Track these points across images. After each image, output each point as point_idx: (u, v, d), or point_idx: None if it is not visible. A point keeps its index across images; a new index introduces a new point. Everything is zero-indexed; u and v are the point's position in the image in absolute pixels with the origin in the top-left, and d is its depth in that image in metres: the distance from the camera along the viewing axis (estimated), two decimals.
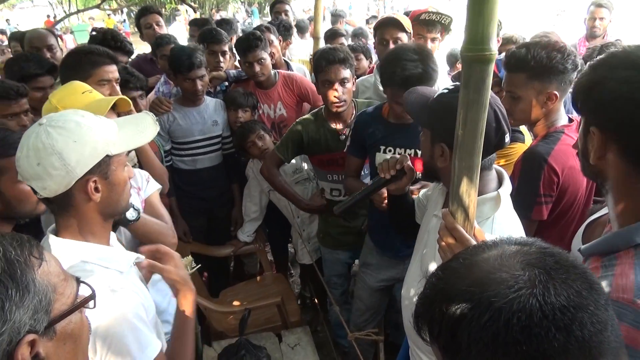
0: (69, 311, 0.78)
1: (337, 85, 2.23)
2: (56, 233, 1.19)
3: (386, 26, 2.52)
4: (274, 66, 3.14)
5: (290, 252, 3.60)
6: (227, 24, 3.90)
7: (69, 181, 1.12)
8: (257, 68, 2.85)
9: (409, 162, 1.59)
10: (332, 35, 3.66)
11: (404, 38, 2.55)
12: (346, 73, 2.24)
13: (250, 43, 2.81)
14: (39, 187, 1.13)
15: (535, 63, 1.71)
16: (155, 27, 3.65)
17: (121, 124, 1.27)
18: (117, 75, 2.11)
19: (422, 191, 1.76)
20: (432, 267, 1.43)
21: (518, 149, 2.08)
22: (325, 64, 2.23)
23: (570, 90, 1.12)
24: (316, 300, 3.09)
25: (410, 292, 1.60)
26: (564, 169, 1.68)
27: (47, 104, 1.64)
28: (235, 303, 2.77)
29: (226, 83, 3.18)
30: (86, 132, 1.14)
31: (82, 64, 1.99)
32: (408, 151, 2.08)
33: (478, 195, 1.33)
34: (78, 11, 7.52)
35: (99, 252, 1.19)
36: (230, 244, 3.02)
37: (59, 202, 1.16)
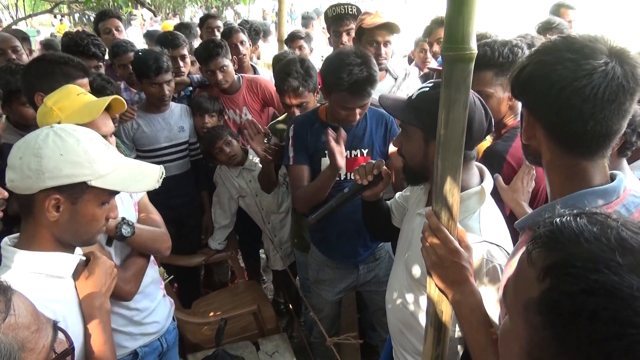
0: None
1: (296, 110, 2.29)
2: (17, 237, 1.17)
3: (379, 29, 2.53)
4: (241, 70, 3.10)
5: (262, 258, 3.55)
6: (186, 28, 3.83)
7: (34, 186, 1.08)
8: (220, 76, 2.80)
9: (385, 167, 1.58)
10: (291, 38, 3.66)
11: (392, 39, 2.58)
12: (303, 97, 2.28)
13: (210, 51, 2.75)
14: (9, 178, 1.11)
15: (502, 59, 1.74)
16: (115, 32, 3.54)
17: (125, 165, 1.23)
18: (88, 89, 2.03)
19: (398, 193, 1.75)
20: (417, 269, 1.43)
21: (480, 147, 2.13)
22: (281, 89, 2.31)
23: None
24: (291, 305, 3.05)
25: (394, 295, 1.59)
26: (522, 164, 1.72)
27: (42, 107, 1.61)
28: (210, 313, 2.70)
29: (190, 88, 3.11)
30: (77, 152, 1.12)
31: (55, 75, 1.90)
32: (354, 152, 2.07)
33: (463, 190, 1.35)
34: (27, 16, 7.20)
35: (41, 260, 1.14)
36: (201, 253, 2.94)
37: (21, 204, 1.13)
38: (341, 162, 1.89)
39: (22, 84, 2.01)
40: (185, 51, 3.11)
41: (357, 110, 1.98)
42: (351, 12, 2.85)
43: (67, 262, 1.19)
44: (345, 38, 2.87)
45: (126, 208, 1.71)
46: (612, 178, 0.97)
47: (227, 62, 2.82)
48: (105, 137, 1.55)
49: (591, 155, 0.95)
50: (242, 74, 3.07)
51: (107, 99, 1.58)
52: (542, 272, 0.56)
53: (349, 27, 2.83)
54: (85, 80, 2.03)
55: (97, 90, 2.10)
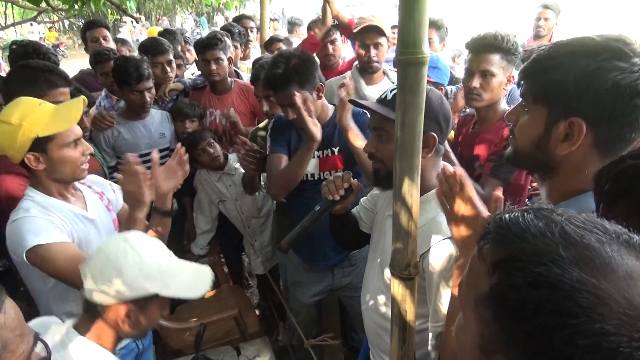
0: None
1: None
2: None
3: (368, 32, 2.58)
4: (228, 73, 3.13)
5: (246, 262, 3.56)
6: (170, 34, 3.83)
7: (112, 300, 1.20)
8: (213, 67, 2.86)
9: (355, 180, 1.55)
10: (270, 42, 3.69)
11: (383, 42, 2.61)
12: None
13: (209, 41, 2.85)
14: (87, 286, 1.20)
15: (509, 45, 1.91)
16: (102, 41, 3.52)
17: (184, 270, 1.33)
18: (68, 98, 2.04)
19: (363, 199, 1.74)
20: (388, 272, 1.44)
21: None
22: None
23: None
24: (274, 309, 3.05)
25: (367, 297, 1.61)
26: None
27: (6, 127, 1.49)
28: (193, 319, 2.70)
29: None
30: (152, 266, 1.21)
31: (39, 82, 1.91)
32: (325, 152, 2.08)
33: (433, 187, 1.36)
34: (14, 24, 7.18)
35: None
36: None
37: (88, 306, 1.23)
38: (317, 131, 1.89)
39: (3, 90, 2.02)
40: (171, 56, 3.11)
41: (291, 111, 1.96)
42: (334, 24, 2.94)
43: None
44: (329, 48, 2.94)
45: (104, 223, 1.73)
46: None
47: (223, 57, 2.89)
48: (80, 139, 1.59)
49: (615, 156, 0.94)
50: (235, 79, 3.11)
51: (79, 101, 1.56)
52: (492, 267, 0.57)
53: (332, 37, 2.93)
54: (67, 90, 2.04)
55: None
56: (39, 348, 0.78)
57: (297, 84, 1.94)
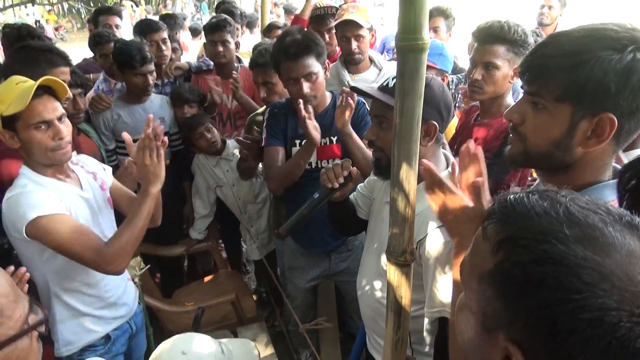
0: (15, 336, 0.73)
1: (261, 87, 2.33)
2: None
3: (346, 24, 2.59)
4: None
5: (244, 248, 3.57)
6: (170, 18, 3.83)
7: None
8: (220, 48, 2.88)
9: (354, 167, 1.55)
10: (269, 29, 3.68)
11: (364, 33, 2.59)
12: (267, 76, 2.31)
13: (218, 23, 2.87)
14: None
15: (516, 36, 1.81)
16: (114, 29, 3.47)
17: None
18: (68, 77, 2.06)
19: (360, 185, 1.74)
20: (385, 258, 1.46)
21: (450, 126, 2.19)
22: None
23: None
24: (271, 295, 3.08)
25: (363, 282, 1.62)
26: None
27: None
28: (189, 303, 2.72)
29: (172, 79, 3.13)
30: None
31: (40, 62, 1.92)
32: (323, 140, 2.07)
33: None
34: (12, 6, 7.11)
35: None
36: (182, 243, 2.96)
37: None
38: (316, 135, 1.89)
39: (5, 70, 2.01)
40: (165, 35, 3.12)
41: (306, 85, 1.95)
42: (331, 12, 2.94)
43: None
44: (326, 37, 2.92)
45: (98, 202, 1.74)
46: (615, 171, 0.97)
47: (230, 39, 2.91)
48: (51, 122, 1.55)
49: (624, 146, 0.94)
50: (241, 64, 3.11)
51: (34, 84, 1.54)
52: (496, 246, 0.58)
53: (329, 26, 2.91)
54: (67, 69, 2.06)
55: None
56: (35, 311, 0.79)
57: (315, 55, 1.96)
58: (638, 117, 0.88)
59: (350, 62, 2.67)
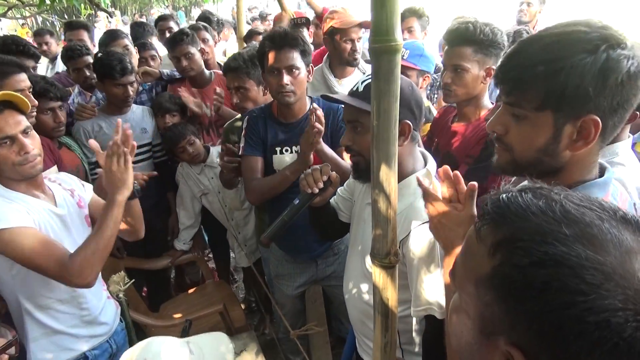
0: None
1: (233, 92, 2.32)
2: None
3: (353, 28, 2.60)
4: (207, 67, 3.10)
5: (232, 257, 3.54)
6: (139, 26, 3.86)
7: None
8: (185, 62, 2.85)
9: (334, 172, 1.55)
10: (249, 34, 3.69)
11: (361, 34, 2.63)
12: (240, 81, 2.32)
13: (175, 38, 2.84)
14: None
15: (483, 37, 1.78)
16: (88, 42, 3.50)
17: None
18: (28, 83, 2.02)
19: (339, 189, 1.73)
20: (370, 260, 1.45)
21: (426, 128, 2.19)
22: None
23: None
24: (260, 303, 3.06)
25: (350, 285, 1.62)
26: None
27: None
28: (176, 315, 2.68)
29: (149, 84, 3.11)
30: None
31: None
32: None
33: (411, 174, 1.38)
34: None
35: None
36: (167, 255, 2.92)
37: None
38: (310, 161, 1.88)
39: None
40: (127, 42, 3.15)
41: (287, 78, 1.94)
42: (304, 22, 3.01)
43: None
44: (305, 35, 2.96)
45: (74, 220, 1.71)
46: (602, 169, 0.99)
47: (193, 50, 2.87)
48: (14, 137, 1.51)
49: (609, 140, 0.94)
50: (215, 70, 3.09)
51: None
52: (492, 248, 0.57)
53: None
54: (23, 76, 2.03)
55: (39, 93, 2.08)
56: (3, 333, 0.76)
57: (300, 51, 1.98)
58: (620, 112, 0.88)
59: (351, 63, 2.68)
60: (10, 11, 5.57)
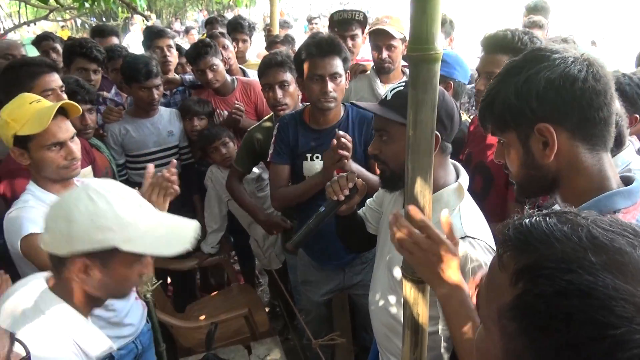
0: None
1: (277, 89, 2.26)
2: (48, 281, 1.16)
3: (378, 34, 2.58)
4: (230, 73, 3.10)
5: (257, 261, 3.54)
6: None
7: (64, 250, 1.07)
8: (210, 75, 2.82)
9: (360, 179, 1.53)
10: (269, 44, 3.70)
11: (396, 43, 2.57)
12: (286, 77, 2.27)
13: (199, 50, 2.79)
14: (43, 239, 1.10)
15: (521, 45, 1.74)
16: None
17: (159, 225, 1.16)
18: (60, 83, 2.06)
19: (369, 200, 1.70)
20: (398, 270, 1.42)
21: None
22: (264, 68, 2.29)
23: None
24: (283, 308, 3.04)
25: (377, 297, 1.58)
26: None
27: (0, 120, 1.60)
28: (201, 317, 2.70)
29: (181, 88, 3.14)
30: (108, 216, 1.06)
31: (20, 78, 1.93)
32: None
33: (441, 187, 1.34)
34: (26, 22, 7.25)
35: (82, 328, 1.13)
36: (194, 257, 2.94)
37: (53, 261, 1.12)
38: (332, 176, 1.81)
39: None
40: (171, 42, 3.20)
41: (330, 85, 1.93)
42: (357, 19, 2.82)
43: (101, 344, 1.19)
44: (349, 43, 2.81)
45: None
46: (627, 180, 0.98)
47: (217, 62, 2.84)
48: (64, 142, 1.58)
49: (605, 146, 0.97)
50: (236, 77, 3.08)
51: (54, 107, 1.56)
52: (515, 276, 0.54)
53: (353, 32, 2.80)
54: (54, 76, 2.05)
55: (68, 94, 2.10)
56: (18, 348, 0.76)
57: (342, 58, 1.98)
58: (577, 114, 0.92)
59: (381, 70, 2.66)
60: (52, 14, 5.77)
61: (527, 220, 0.56)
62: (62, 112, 1.60)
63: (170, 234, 1.16)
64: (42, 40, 3.63)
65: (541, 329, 0.50)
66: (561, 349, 0.48)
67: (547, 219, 0.55)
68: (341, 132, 1.79)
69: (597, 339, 0.46)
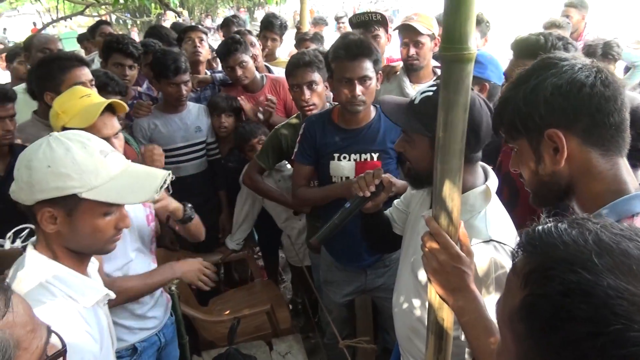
0: None
1: (305, 89, 2.24)
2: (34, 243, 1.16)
3: (405, 30, 2.57)
4: (258, 70, 3.11)
5: (282, 257, 3.55)
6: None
7: (27, 198, 1.08)
8: (239, 71, 2.84)
9: (386, 175, 1.52)
10: (298, 42, 3.68)
11: (424, 40, 2.55)
12: (314, 77, 2.26)
13: (229, 47, 2.81)
14: (11, 188, 1.10)
15: (554, 50, 1.70)
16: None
17: (125, 174, 1.16)
18: (90, 76, 2.11)
19: (396, 200, 1.69)
20: (423, 272, 1.39)
21: None
22: (292, 68, 2.28)
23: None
24: (308, 306, 3.04)
25: (401, 299, 1.56)
26: None
27: (52, 110, 1.69)
28: (225, 312, 2.72)
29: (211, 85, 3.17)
30: (65, 163, 1.06)
31: (52, 71, 2.00)
32: (364, 156, 2.02)
33: (468, 190, 1.31)
34: (63, 17, 7.46)
35: (68, 279, 1.12)
36: (218, 251, 2.96)
37: (27, 213, 1.12)
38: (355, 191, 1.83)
39: (34, 91, 2.13)
40: (202, 35, 3.24)
41: (359, 88, 1.90)
42: (376, 19, 2.83)
43: (95, 293, 1.17)
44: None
45: (138, 219, 1.76)
46: None
47: (247, 58, 2.85)
48: (108, 138, 1.59)
49: (620, 151, 0.96)
50: (265, 74, 3.09)
51: (103, 104, 1.61)
52: (524, 279, 0.56)
53: (375, 32, 2.80)
54: (84, 70, 2.11)
55: (99, 87, 2.16)
56: (54, 340, 0.76)
57: (372, 60, 1.94)
58: (585, 119, 0.92)
59: (409, 68, 2.64)
60: (87, 9, 5.94)
61: (540, 227, 0.59)
62: (110, 109, 1.66)
63: (135, 183, 1.15)
64: (101, 25, 4.14)
65: (545, 327, 0.52)
66: (561, 346, 0.50)
67: (559, 225, 0.57)
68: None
69: (593, 336, 0.47)
